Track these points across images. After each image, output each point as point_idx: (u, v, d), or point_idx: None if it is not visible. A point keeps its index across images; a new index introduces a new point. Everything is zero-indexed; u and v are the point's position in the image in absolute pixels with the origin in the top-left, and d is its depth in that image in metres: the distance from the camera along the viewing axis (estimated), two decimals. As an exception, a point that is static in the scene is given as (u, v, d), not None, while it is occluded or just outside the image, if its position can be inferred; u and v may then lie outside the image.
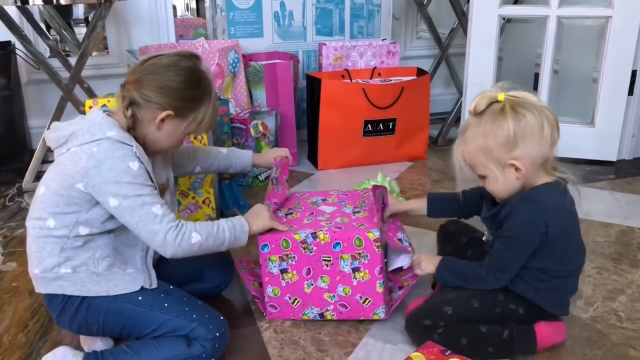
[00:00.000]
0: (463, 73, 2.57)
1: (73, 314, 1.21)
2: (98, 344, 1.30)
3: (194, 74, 1.24)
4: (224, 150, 1.56)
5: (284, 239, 1.34)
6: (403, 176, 2.34)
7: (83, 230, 1.18)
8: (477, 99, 1.21)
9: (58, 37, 3.18)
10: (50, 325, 1.39)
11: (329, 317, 1.39)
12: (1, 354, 1.30)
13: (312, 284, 1.37)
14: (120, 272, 1.22)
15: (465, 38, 2.55)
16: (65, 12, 3.67)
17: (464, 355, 1.18)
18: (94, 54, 2.80)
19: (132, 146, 1.18)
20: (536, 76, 2.54)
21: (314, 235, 1.34)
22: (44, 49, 2.52)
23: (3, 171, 2.27)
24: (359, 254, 1.33)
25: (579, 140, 2.40)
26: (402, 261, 1.42)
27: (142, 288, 1.23)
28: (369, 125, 2.36)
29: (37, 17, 2.51)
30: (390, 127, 2.40)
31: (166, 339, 1.22)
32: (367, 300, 1.35)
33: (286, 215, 1.46)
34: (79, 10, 4.06)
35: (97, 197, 1.16)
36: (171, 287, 1.28)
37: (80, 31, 3.58)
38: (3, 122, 2.22)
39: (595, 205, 2.05)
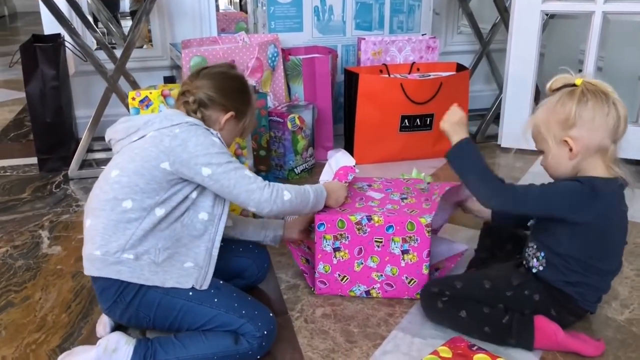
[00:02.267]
0: (504, 69, 2.54)
1: (125, 307, 1.23)
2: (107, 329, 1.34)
3: (243, 80, 1.40)
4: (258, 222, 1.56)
5: (340, 219, 1.42)
6: (439, 172, 2.33)
7: (159, 212, 1.22)
8: (555, 78, 1.27)
9: (105, 30, 3.27)
10: (91, 307, 1.45)
11: (374, 295, 1.47)
12: (45, 332, 1.36)
13: (362, 263, 1.44)
14: (178, 265, 1.25)
15: (506, 34, 2.52)
16: (112, 6, 3.78)
17: (461, 328, 1.28)
18: (143, 47, 2.88)
19: (209, 129, 1.28)
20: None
21: (369, 218, 1.41)
22: (91, 41, 2.60)
23: (50, 159, 2.35)
24: (410, 237, 1.41)
25: (623, 140, 2.33)
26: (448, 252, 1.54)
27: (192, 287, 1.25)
28: (406, 120, 2.35)
29: (85, 10, 2.60)
30: (428, 122, 2.39)
31: (214, 333, 1.24)
32: (413, 281, 1.43)
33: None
34: (125, 4, 4.17)
35: (187, 171, 1.22)
36: (221, 282, 1.30)
37: (127, 24, 3.69)
38: (51, 112, 2.31)
39: (637, 206, 2.00)
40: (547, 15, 2.49)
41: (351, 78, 2.36)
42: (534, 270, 1.32)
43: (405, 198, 1.53)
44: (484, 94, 3.07)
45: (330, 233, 1.43)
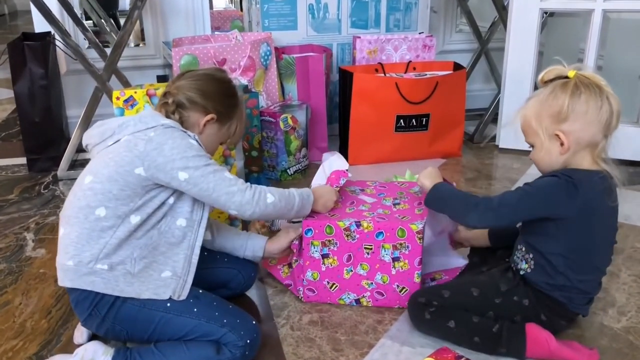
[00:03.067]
0: (503, 68, 2.49)
1: (100, 321, 1.19)
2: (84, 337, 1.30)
3: (230, 84, 1.36)
4: (243, 233, 1.50)
5: (328, 225, 1.38)
6: (435, 173, 2.28)
7: (134, 219, 1.17)
8: (547, 69, 1.23)
9: (98, 29, 3.23)
10: (72, 313, 1.41)
11: (364, 304, 1.42)
12: (23, 339, 1.32)
13: (352, 270, 1.39)
14: (156, 275, 1.20)
15: (505, 32, 2.47)
16: (110, 4, 3.74)
17: (450, 338, 1.24)
18: (131, 45, 2.84)
19: (186, 131, 1.23)
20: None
21: (358, 224, 1.37)
22: (82, 40, 2.56)
23: (40, 159, 2.32)
24: (401, 244, 1.36)
25: (622, 140, 2.27)
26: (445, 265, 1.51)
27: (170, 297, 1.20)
28: (402, 120, 2.31)
29: (76, 9, 2.56)
30: (424, 122, 2.34)
31: (195, 343, 1.20)
32: (404, 289, 1.38)
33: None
34: (125, 2, 4.14)
35: (162, 176, 1.17)
36: (200, 291, 1.25)
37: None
38: (40, 111, 2.27)
39: (636, 209, 1.96)
40: (546, 13, 2.44)
41: (346, 77, 2.31)
42: (522, 273, 1.28)
43: (398, 203, 1.47)
44: (483, 93, 3.02)
45: (318, 239, 1.38)
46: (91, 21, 3.23)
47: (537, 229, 1.25)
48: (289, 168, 2.22)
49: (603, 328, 1.34)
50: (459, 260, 1.53)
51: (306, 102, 2.32)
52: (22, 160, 2.37)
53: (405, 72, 2.44)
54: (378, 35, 2.53)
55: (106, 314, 1.18)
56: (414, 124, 2.33)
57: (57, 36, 2.31)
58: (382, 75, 2.38)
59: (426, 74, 2.40)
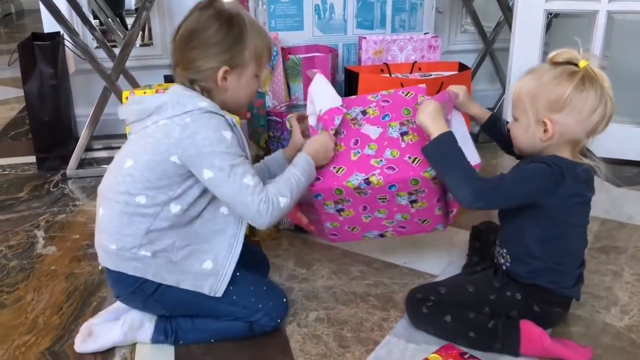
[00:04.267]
0: (507, 68, 2.51)
1: (145, 299, 1.24)
2: None
3: (220, 19, 1.20)
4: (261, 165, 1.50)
5: (336, 188, 1.31)
6: (440, 173, 2.30)
7: (174, 208, 1.19)
8: (560, 50, 1.21)
9: (106, 29, 3.26)
10: (82, 309, 1.44)
11: (389, 236, 1.44)
12: (35, 334, 1.35)
13: (370, 216, 1.38)
14: (197, 265, 1.23)
15: (510, 33, 2.48)
16: (116, 4, 3.76)
17: (446, 334, 1.25)
18: (137, 44, 2.87)
19: (223, 116, 1.19)
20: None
21: (367, 181, 1.29)
22: (91, 39, 2.59)
23: (49, 158, 2.34)
24: (416, 190, 1.30)
25: (627, 141, 2.30)
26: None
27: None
28: (407, 120, 2.32)
29: (85, 8, 2.58)
30: (429, 123, 2.35)
31: (231, 321, 1.28)
32: (426, 221, 1.38)
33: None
34: (131, 1, 4.16)
35: (192, 168, 1.17)
36: (238, 273, 1.27)
37: (132, 22, 3.67)
38: (49, 111, 2.30)
39: (639, 209, 1.97)
40: (550, 14, 2.45)
41: (351, 77, 2.33)
42: (504, 268, 1.30)
43: (406, 132, 1.31)
44: (488, 94, 3.03)
45: (330, 199, 1.34)
46: (98, 21, 3.26)
47: (513, 216, 1.26)
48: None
49: (605, 326, 1.35)
50: (474, 157, 1.33)
51: (312, 102, 2.33)
52: (32, 159, 2.39)
53: (411, 73, 2.45)
54: (384, 35, 2.55)
55: (152, 294, 1.22)
56: (419, 124, 2.34)
57: (66, 36, 2.34)
58: (388, 75, 2.40)
59: (431, 75, 2.42)
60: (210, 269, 1.23)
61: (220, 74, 1.20)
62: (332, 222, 1.39)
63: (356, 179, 1.29)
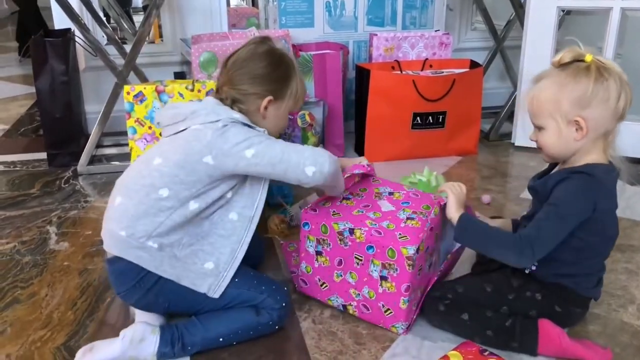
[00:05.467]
0: (518, 66, 2.50)
1: (144, 293, 1.24)
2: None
3: (274, 55, 1.34)
4: None
5: (323, 224, 1.35)
6: (451, 171, 2.29)
7: (193, 206, 1.21)
8: (563, 52, 1.21)
9: (116, 26, 3.26)
10: (97, 304, 1.44)
11: (350, 312, 1.38)
12: (51, 329, 1.35)
13: (341, 276, 1.36)
14: (199, 264, 1.24)
15: (521, 30, 2.47)
16: (124, 1, 3.77)
17: (463, 331, 1.24)
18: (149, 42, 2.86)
19: (254, 127, 1.27)
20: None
21: (351, 231, 1.32)
22: (101, 36, 2.59)
23: (60, 154, 2.34)
24: (390, 264, 1.28)
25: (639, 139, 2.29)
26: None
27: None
28: (418, 118, 2.32)
29: (96, 5, 2.58)
30: (440, 120, 2.35)
31: (236, 310, 1.27)
32: (389, 311, 1.31)
33: (343, 199, 1.43)
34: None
35: (230, 161, 1.20)
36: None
37: (139, 19, 3.67)
38: (60, 107, 2.30)
39: (654, 207, 1.96)
40: (563, 11, 2.44)
41: (362, 74, 2.32)
42: (527, 271, 1.29)
43: (413, 218, 1.35)
44: (499, 92, 3.02)
45: (314, 235, 1.36)
46: (107, 18, 3.26)
47: None
48: (306, 164, 2.23)
49: (623, 325, 1.34)
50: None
51: (323, 99, 2.33)
52: (43, 155, 2.39)
53: (422, 70, 2.45)
54: (394, 32, 2.54)
55: (152, 287, 1.22)
56: (431, 121, 2.34)
57: (77, 32, 2.33)
58: (399, 72, 2.39)
59: (443, 72, 2.41)
60: (211, 269, 1.25)
61: (265, 101, 1.30)
62: (307, 266, 1.40)
63: (343, 225, 1.33)
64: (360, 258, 1.32)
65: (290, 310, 1.32)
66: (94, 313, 1.41)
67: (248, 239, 1.27)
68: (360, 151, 2.41)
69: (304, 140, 2.19)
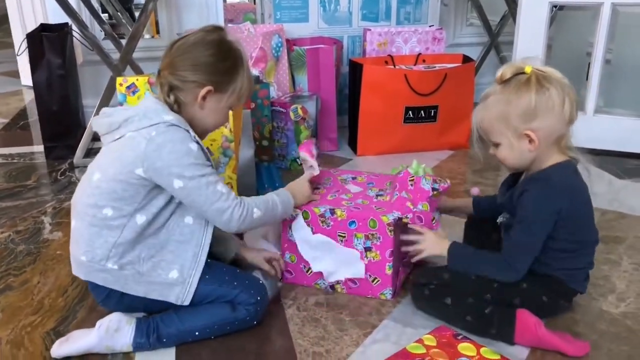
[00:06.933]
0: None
1: (118, 299, 1.25)
2: None
3: (222, 46, 1.26)
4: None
5: (304, 210, 1.40)
6: (443, 165, 2.32)
7: (140, 219, 1.20)
8: (503, 68, 1.23)
9: (115, 21, 3.29)
10: (87, 292, 1.46)
11: (339, 290, 1.44)
12: (41, 315, 1.38)
13: None
14: (163, 275, 1.23)
15: (515, 26, 2.49)
16: (125, -3, 3.79)
17: (445, 316, 1.28)
18: (146, 36, 2.90)
19: (188, 130, 1.22)
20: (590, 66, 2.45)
21: (332, 211, 1.38)
22: (99, 31, 2.62)
23: (57, 147, 2.38)
24: (372, 234, 1.36)
25: (630, 134, 2.30)
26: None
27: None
28: (410, 112, 2.34)
29: (94, 1, 2.61)
30: (432, 114, 2.37)
31: (212, 305, 1.27)
32: (376, 280, 1.39)
33: (314, 189, 1.50)
34: (141, -5, 4.19)
35: (160, 180, 1.19)
36: (209, 260, 1.29)
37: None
38: (57, 100, 2.33)
39: (639, 199, 1.98)
40: (555, 6, 2.46)
41: (356, 69, 2.35)
42: None
43: (381, 195, 1.48)
44: (493, 87, 3.04)
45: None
46: (107, 14, 3.29)
47: None
48: (298, 157, 2.26)
49: (602, 313, 1.36)
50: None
51: (316, 94, 2.36)
52: (40, 147, 2.43)
53: (415, 65, 2.47)
54: (388, 27, 2.56)
55: (123, 295, 1.24)
56: (423, 115, 2.36)
57: (74, 27, 2.37)
58: (392, 67, 2.42)
59: (435, 67, 2.43)
60: (176, 278, 1.24)
61: (203, 91, 1.24)
62: (291, 255, 1.44)
63: (323, 207, 1.39)
64: (343, 235, 1.38)
65: (267, 303, 1.31)
66: (84, 300, 1.44)
67: (208, 240, 1.27)
68: (353, 145, 2.44)
69: (296, 134, 2.22)
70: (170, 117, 1.21)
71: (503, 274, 1.27)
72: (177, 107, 1.25)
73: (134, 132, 1.20)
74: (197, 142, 1.22)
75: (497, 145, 1.26)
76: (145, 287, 1.23)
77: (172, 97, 1.24)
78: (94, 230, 1.21)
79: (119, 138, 1.22)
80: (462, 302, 1.29)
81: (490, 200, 1.50)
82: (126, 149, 1.20)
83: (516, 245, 1.26)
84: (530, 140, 1.21)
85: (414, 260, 1.40)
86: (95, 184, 1.21)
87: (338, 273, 1.43)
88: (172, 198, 1.23)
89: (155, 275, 1.23)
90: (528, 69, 1.20)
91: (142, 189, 1.20)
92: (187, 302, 1.25)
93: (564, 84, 1.20)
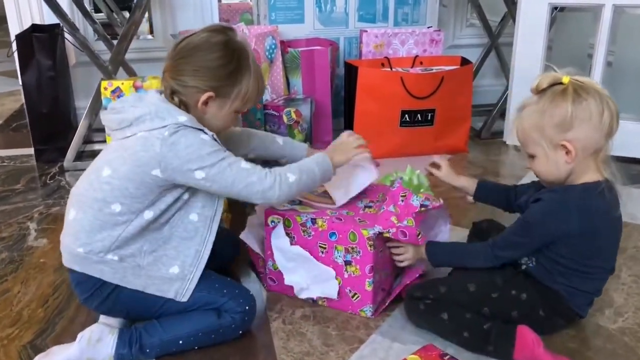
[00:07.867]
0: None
1: (102, 300, 1.22)
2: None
3: (226, 48, 1.21)
4: (280, 140, 1.51)
5: (287, 218, 1.37)
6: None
7: (148, 214, 1.18)
8: (540, 77, 1.20)
9: (110, 21, 3.25)
10: (67, 303, 1.43)
11: (320, 303, 1.40)
12: (19, 327, 1.34)
13: None
14: (164, 270, 1.22)
15: (514, 27, 2.43)
16: (123, -2, 3.75)
17: (441, 331, 1.24)
18: (141, 37, 2.86)
19: (202, 129, 1.19)
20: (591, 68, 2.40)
21: (314, 221, 1.35)
22: (91, 32, 2.58)
23: (47, 150, 2.34)
24: (352, 248, 1.32)
25: (632, 138, 2.25)
26: None
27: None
28: (406, 115, 2.29)
29: (86, 1, 2.58)
30: (429, 117, 2.32)
31: (196, 312, 1.24)
32: (356, 296, 1.35)
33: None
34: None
35: (180, 178, 1.17)
36: None
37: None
38: (47, 102, 2.29)
39: (639, 208, 1.92)
40: (555, 8, 2.40)
41: (351, 71, 2.30)
42: (524, 267, 1.27)
43: (370, 206, 1.43)
44: (494, 89, 2.98)
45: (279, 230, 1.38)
46: (103, 14, 3.25)
47: None
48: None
49: (598, 329, 1.32)
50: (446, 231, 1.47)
51: (311, 96, 2.31)
52: (30, 150, 2.39)
53: (412, 67, 2.42)
54: (385, 29, 2.51)
55: (108, 296, 1.21)
56: (419, 119, 2.31)
57: (65, 28, 2.33)
58: (388, 69, 2.37)
59: (432, 69, 2.38)
60: (176, 273, 1.22)
61: (204, 97, 1.20)
62: (274, 264, 1.41)
63: (305, 217, 1.36)
64: (324, 246, 1.34)
65: (254, 314, 1.28)
66: (64, 311, 1.40)
67: (212, 238, 1.25)
68: (348, 149, 2.38)
69: (290, 138, 2.17)
70: (184, 117, 1.18)
71: (483, 260, 1.27)
72: (183, 107, 1.22)
73: (146, 132, 1.17)
74: (210, 136, 1.19)
75: (532, 157, 1.23)
76: (144, 281, 1.21)
77: (176, 99, 1.22)
78: (97, 224, 1.18)
79: (130, 136, 1.19)
80: (460, 317, 1.24)
81: (497, 189, 1.47)
82: (138, 148, 1.17)
83: (508, 239, 1.26)
84: (567, 152, 1.17)
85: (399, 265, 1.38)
86: (106, 180, 1.18)
87: (310, 290, 1.38)
88: (180, 195, 1.21)
89: (156, 270, 1.21)
90: (565, 79, 1.16)
91: (157, 189, 1.18)
92: (185, 298, 1.23)
93: (603, 94, 1.15)
